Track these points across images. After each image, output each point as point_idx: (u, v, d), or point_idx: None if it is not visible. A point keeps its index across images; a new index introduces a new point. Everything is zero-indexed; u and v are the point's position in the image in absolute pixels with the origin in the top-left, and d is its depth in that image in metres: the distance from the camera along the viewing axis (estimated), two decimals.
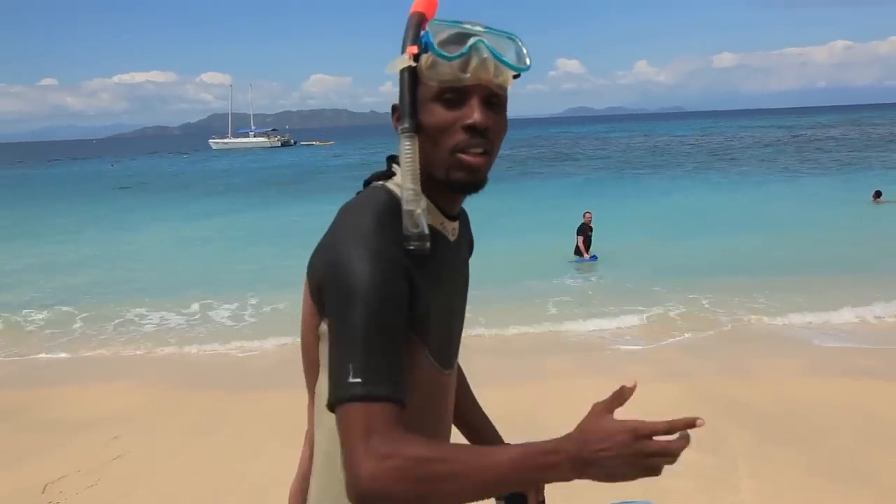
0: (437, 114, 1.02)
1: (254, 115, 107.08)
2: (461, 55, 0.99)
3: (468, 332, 7.18)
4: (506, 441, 1.51)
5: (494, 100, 1.04)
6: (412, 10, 1.05)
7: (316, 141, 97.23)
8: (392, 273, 0.96)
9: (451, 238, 1.15)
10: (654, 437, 0.84)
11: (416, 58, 1.02)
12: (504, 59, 1.02)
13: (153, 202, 25.02)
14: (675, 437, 0.85)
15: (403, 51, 1.03)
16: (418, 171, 1.02)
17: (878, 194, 16.35)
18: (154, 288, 10.40)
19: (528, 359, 6.46)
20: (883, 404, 4.85)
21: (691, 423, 0.84)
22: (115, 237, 16.38)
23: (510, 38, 1.06)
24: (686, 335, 7.08)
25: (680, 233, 13.34)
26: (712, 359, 6.22)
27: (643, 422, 0.85)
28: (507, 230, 14.06)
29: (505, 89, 1.06)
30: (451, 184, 1.05)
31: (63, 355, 7.26)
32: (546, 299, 8.73)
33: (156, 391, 5.92)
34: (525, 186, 24.85)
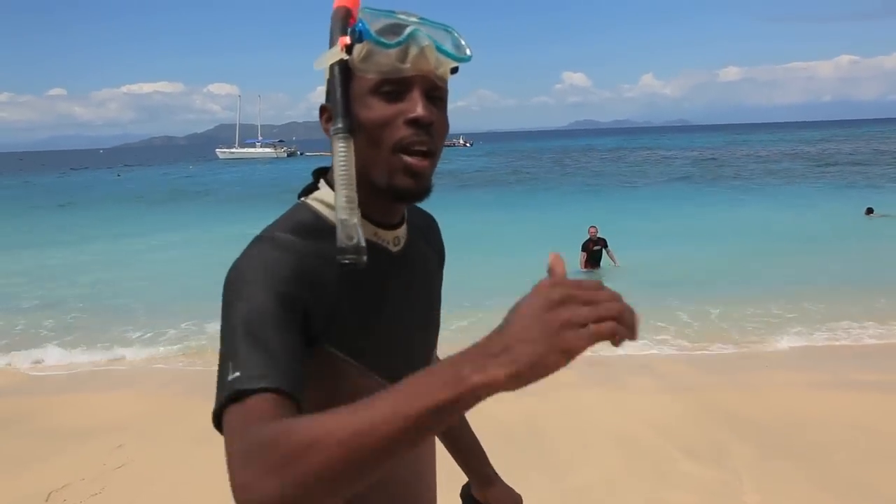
0: (377, 108, 0.94)
1: (261, 125, 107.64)
2: (400, 42, 0.92)
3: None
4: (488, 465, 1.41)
5: (436, 93, 0.97)
6: (336, 4, 0.97)
7: (324, 151, 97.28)
8: (285, 278, 0.89)
9: (393, 249, 1.05)
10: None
11: (349, 50, 0.93)
12: (444, 48, 0.95)
13: (161, 211, 25.13)
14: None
15: (332, 45, 0.94)
16: (354, 177, 0.91)
17: (869, 210, 16.65)
18: (160, 297, 10.43)
19: None
20: (886, 418, 4.83)
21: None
22: (125, 245, 16.45)
23: (446, 29, 0.99)
24: (690, 347, 7.07)
25: (689, 245, 13.31)
26: (716, 372, 6.20)
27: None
28: (514, 243, 14.12)
29: (445, 82, 0.99)
30: (393, 190, 0.96)
31: (66, 363, 7.28)
32: None
33: (159, 400, 5.92)
34: (538, 200, 24.88)
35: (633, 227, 15.39)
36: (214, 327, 8.34)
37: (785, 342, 7.14)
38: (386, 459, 0.67)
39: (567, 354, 0.61)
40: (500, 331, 0.64)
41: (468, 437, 1.41)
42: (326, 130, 0.97)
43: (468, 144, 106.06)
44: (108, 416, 5.45)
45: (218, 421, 0.80)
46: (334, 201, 0.92)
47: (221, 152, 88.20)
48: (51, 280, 12.24)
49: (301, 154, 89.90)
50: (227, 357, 0.83)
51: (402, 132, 0.94)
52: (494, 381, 0.62)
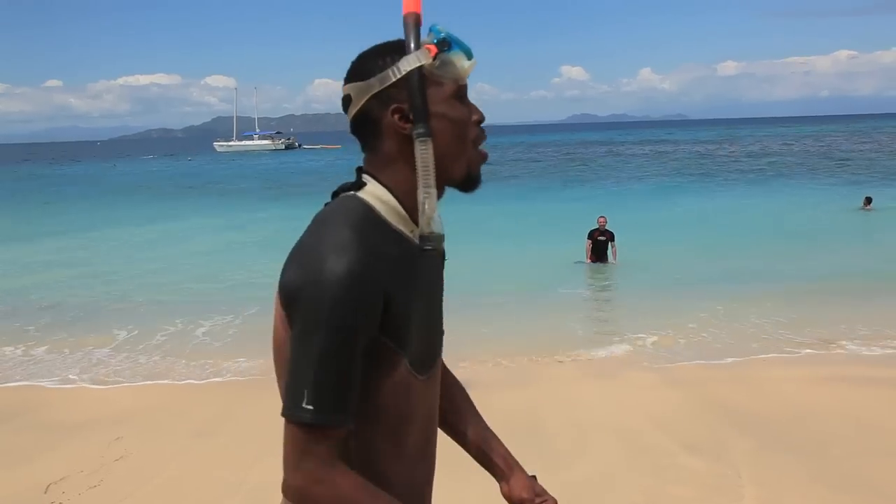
0: (460, 110, 1.08)
1: (258, 118, 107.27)
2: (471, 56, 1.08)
3: (472, 339, 7.21)
4: (510, 458, 1.32)
5: None
6: (406, 10, 1.06)
7: (323, 145, 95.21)
8: (367, 294, 0.96)
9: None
10: None
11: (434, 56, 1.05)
12: None
13: (167, 205, 25.06)
14: None
15: (409, 50, 1.04)
16: (434, 174, 1.04)
17: (868, 201, 16.55)
18: (161, 292, 10.42)
19: (531, 363, 6.44)
20: (886, 414, 4.84)
21: None
22: (129, 236, 16.44)
23: None
24: (690, 342, 7.06)
25: (693, 241, 13.26)
26: (716, 366, 6.20)
27: None
28: (524, 235, 14.15)
29: None
30: (472, 179, 1.12)
31: (64, 356, 7.25)
32: (554, 305, 8.71)
33: (157, 394, 5.92)
34: (548, 193, 24.85)
35: (635, 224, 15.36)
36: (214, 323, 8.35)
37: (786, 336, 7.12)
38: None
39: None
40: None
41: (494, 448, 1.33)
42: (402, 129, 1.05)
43: None
44: (105, 409, 5.45)
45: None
46: (418, 196, 1.04)
47: (219, 145, 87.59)
48: (50, 274, 12.19)
49: (299, 146, 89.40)
50: (303, 382, 0.95)
51: (476, 130, 1.11)
52: None
